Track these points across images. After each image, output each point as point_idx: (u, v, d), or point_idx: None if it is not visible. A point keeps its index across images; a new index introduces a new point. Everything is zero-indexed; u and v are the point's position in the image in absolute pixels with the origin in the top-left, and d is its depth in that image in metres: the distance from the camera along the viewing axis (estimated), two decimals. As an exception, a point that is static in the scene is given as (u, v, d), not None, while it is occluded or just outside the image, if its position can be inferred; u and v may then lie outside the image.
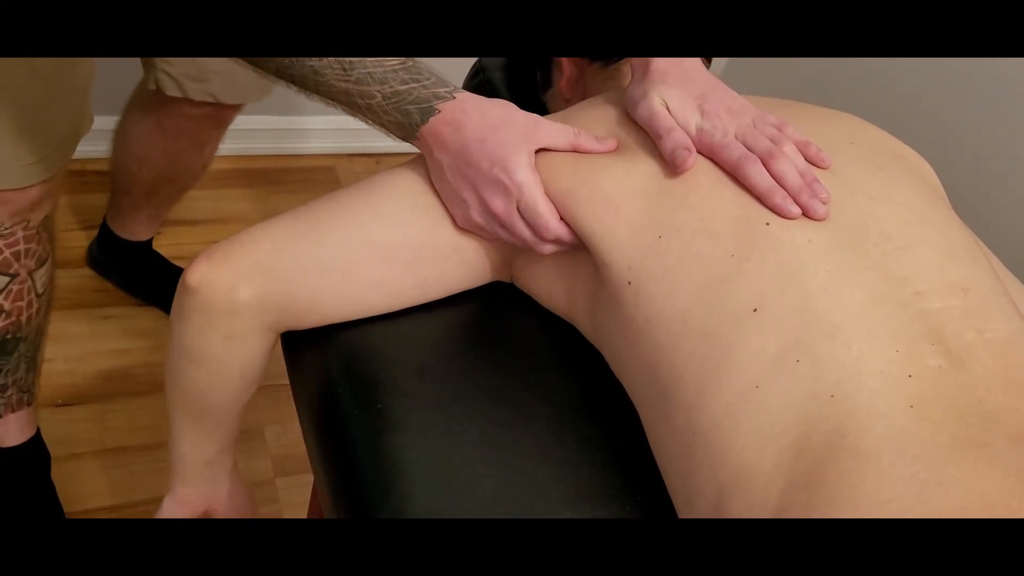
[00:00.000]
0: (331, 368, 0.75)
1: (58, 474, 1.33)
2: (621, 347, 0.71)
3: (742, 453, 0.59)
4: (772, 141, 0.71)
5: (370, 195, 0.76)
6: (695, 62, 0.77)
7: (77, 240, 1.70)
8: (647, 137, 0.73)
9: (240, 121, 1.46)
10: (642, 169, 0.71)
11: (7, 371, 1.17)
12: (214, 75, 1.30)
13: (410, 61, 0.72)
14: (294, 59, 0.69)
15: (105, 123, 1.38)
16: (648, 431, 0.69)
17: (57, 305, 1.21)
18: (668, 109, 0.73)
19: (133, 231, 1.60)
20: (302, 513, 1.27)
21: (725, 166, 0.70)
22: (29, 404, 1.26)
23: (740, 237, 0.66)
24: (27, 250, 1.06)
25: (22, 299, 1.11)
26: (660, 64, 0.75)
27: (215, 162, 1.54)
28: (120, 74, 1.35)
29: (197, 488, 0.88)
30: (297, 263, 0.73)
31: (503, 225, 0.73)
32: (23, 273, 1.08)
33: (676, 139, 0.70)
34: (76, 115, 1.02)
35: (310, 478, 1.04)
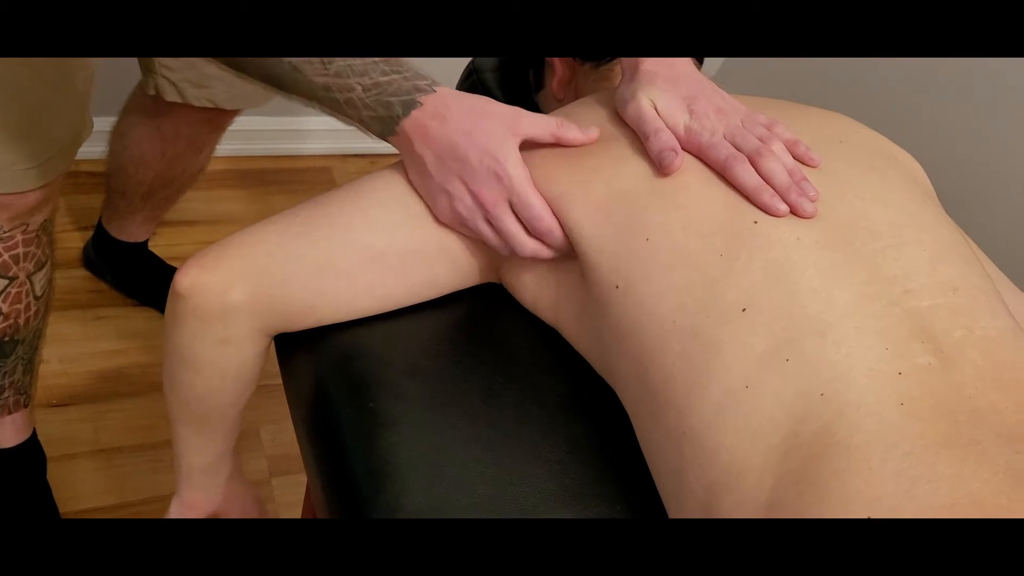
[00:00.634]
0: (323, 368, 0.76)
1: (53, 474, 1.33)
2: (610, 350, 0.71)
3: (732, 451, 0.60)
4: (761, 140, 0.71)
5: (360, 200, 0.76)
6: (686, 63, 0.77)
7: (72, 241, 1.69)
8: (637, 138, 0.73)
9: (236, 122, 1.47)
10: (631, 170, 0.72)
11: (4, 373, 1.17)
12: (215, 81, 1.30)
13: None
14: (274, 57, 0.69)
15: (101, 124, 1.38)
16: (638, 431, 0.69)
17: (52, 306, 1.21)
18: (657, 110, 0.73)
19: (129, 232, 1.60)
20: (297, 513, 1.27)
21: (713, 166, 0.70)
22: (26, 406, 1.26)
23: (729, 236, 0.66)
24: (26, 253, 1.06)
25: (20, 302, 1.10)
26: (650, 65, 0.75)
27: (210, 163, 1.54)
28: (117, 75, 1.35)
29: (203, 493, 0.88)
30: (288, 267, 0.73)
31: (488, 217, 0.73)
32: (22, 276, 1.08)
33: (663, 140, 0.71)
34: (76, 120, 1.02)
35: (305, 478, 1.04)
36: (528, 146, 0.74)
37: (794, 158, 0.72)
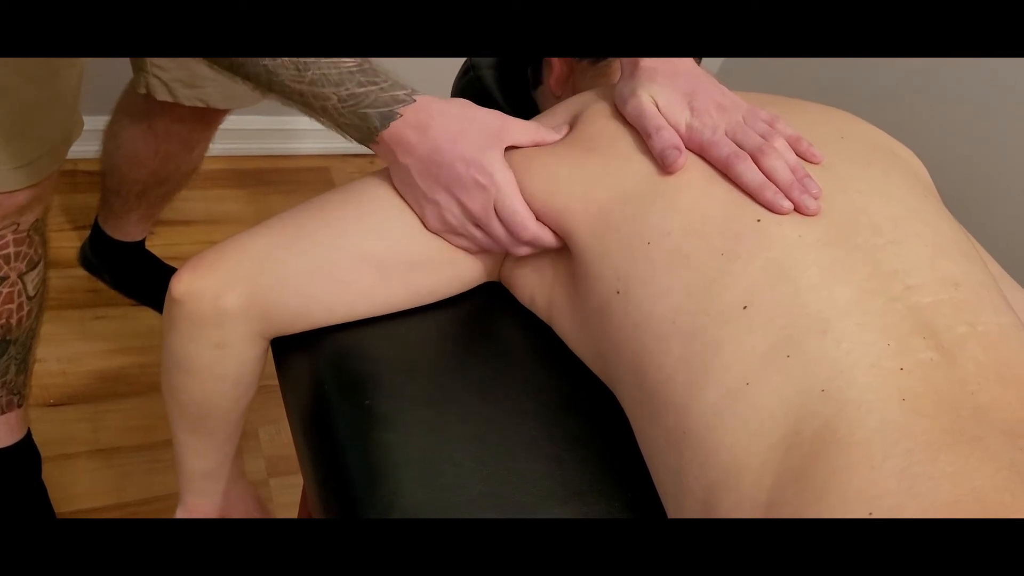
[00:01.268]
0: (319, 366, 0.75)
1: (50, 474, 1.33)
2: (608, 353, 0.70)
3: (732, 450, 0.59)
4: (763, 137, 0.71)
5: (359, 206, 0.75)
6: (685, 58, 0.77)
7: (69, 240, 1.69)
8: (638, 134, 0.73)
9: (233, 121, 1.46)
10: (633, 171, 0.71)
11: None
12: (206, 81, 1.29)
13: (366, 63, 0.71)
14: (249, 58, 0.68)
15: (96, 123, 1.38)
16: (637, 432, 0.69)
17: (49, 305, 1.21)
18: (657, 107, 0.72)
19: (125, 231, 1.59)
20: (294, 514, 1.26)
21: (715, 163, 0.70)
22: (19, 406, 1.25)
23: (730, 235, 0.66)
24: (17, 253, 1.06)
25: (12, 302, 1.10)
26: (649, 61, 0.74)
27: (208, 162, 1.53)
28: (110, 74, 1.35)
29: (206, 498, 0.87)
30: (283, 272, 0.72)
31: (478, 225, 0.73)
32: (13, 276, 1.08)
33: (665, 139, 0.70)
34: (66, 119, 1.01)
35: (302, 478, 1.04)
36: (526, 153, 0.74)
37: (796, 155, 0.71)
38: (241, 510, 0.91)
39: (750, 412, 0.59)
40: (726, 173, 0.69)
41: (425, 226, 0.75)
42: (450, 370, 0.74)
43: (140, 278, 1.64)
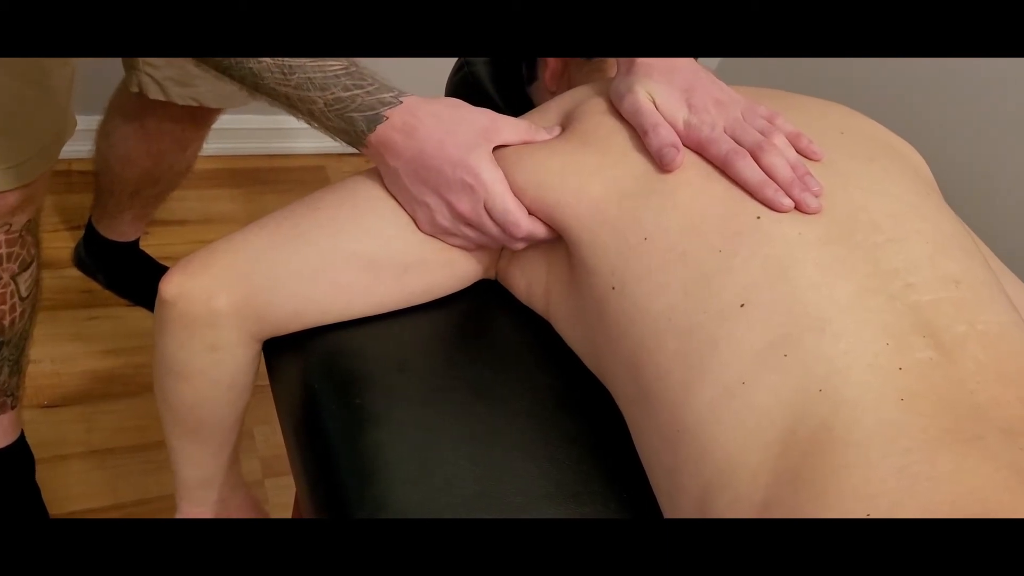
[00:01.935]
0: (310, 364, 0.74)
1: (44, 476, 1.32)
2: (604, 350, 0.70)
3: (727, 449, 0.58)
4: (762, 133, 0.70)
5: (353, 205, 0.74)
6: (682, 54, 0.76)
7: (63, 241, 1.69)
8: (634, 131, 0.72)
9: (228, 121, 1.46)
10: (630, 167, 0.70)
11: None
12: (199, 80, 1.29)
13: (353, 65, 0.70)
14: (234, 61, 0.68)
15: (89, 123, 1.37)
16: (632, 430, 0.68)
17: (43, 306, 1.20)
18: (655, 103, 0.72)
19: (119, 231, 1.59)
20: (289, 514, 1.26)
21: (714, 161, 0.69)
22: (13, 407, 1.25)
23: (729, 232, 0.65)
24: (9, 254, 1.05)
25: (5, 303, 1.09)
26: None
27: (203, 162, 1.53)
28: (102, 73, 1.34)
29: (203, 507, 0.86)
30: (277, 272, 0.72)
31: (471, 225, 0.72)
32: (6, 277, 1.07)
33: (663, 136, 0.69)
34: (58, 119, 1.01)
35: (299, 479, 1.03)
36: (517, 149, 0.73)
37: (796, 151, 0.70)
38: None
39: (747, 410, 0.58)
40: (725, 170, 0.68)
41: (418, 228, 0.74)
42: (443, 369, 0.74)
43: (134, 278, 1.63)
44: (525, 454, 0.68)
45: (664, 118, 0.71)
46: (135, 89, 1.30)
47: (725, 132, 0.70)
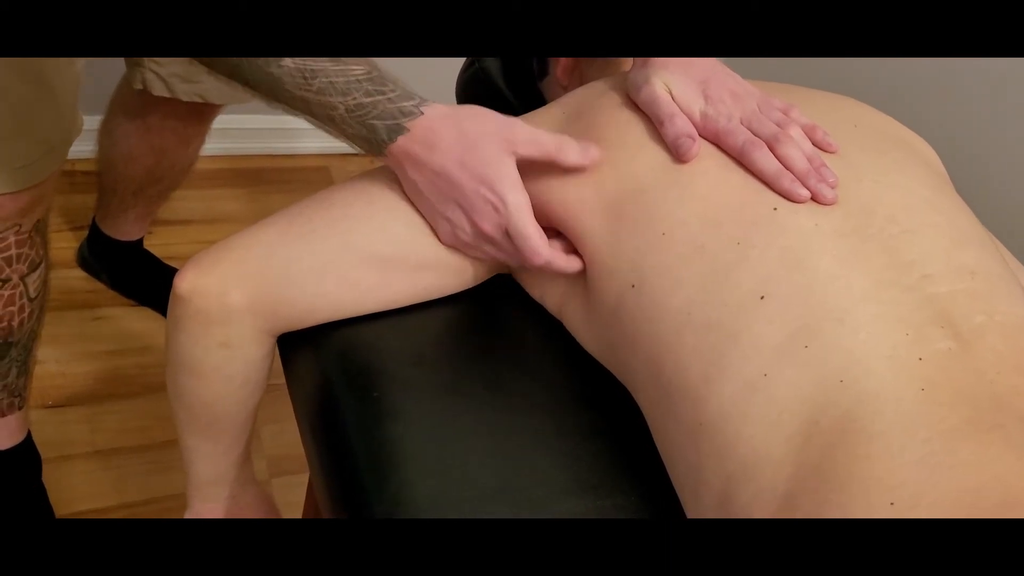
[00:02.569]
0: (326, 358, 0.74)
1: (49, 476, 1.32)
2: (622, 349, 0.69)
3: (750, 442, 0.58)
4: (778, 125, 0.70)
5: (367, 204, 0.74)
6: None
7: (67, 240, 1.69)
8: (651, 123, 0.72)
9: (233, 120, 1.45)
10: (646, 160, 0.70)
11: None
12: (204, 76, 1.28)
13: (375, 71, 0.69)
14: (252, 65, 0.66)
15: (95, 123, 1.37)
16: (652, 425, 0.68)
17: (48, 306, 1.20)
18: (671, 95, 0.71)
19: (123, 230, 1.59)
20: (298, 513, 1.25)
21: (731, 151, 0.69)
22: (20, 408, 1.24)
23: (746, 224, 0.65)
24: (19, 255, 1.05)
25: (14, 304, 1.09)
26: None
27: (207, 162, 1.53)
28: (108, 72, 1.34)
29: (216, 504, 0.86)
30: (290, 269, 0.71)
31: (492, 243, 0.72)
32: (15, 278, 1.07)
33: (679, 126, 0.69)
34: (65, 119, 1.00)
35: (306, 478, 1.02)
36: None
37: (812, 143, 0.70)
38: (251, 515, 0.89)
39: (769, 403, 0.58)
40: (742, 161, 0.68)
41: (438, 239, 0.73)
42: (459, 362, 0.73)
43: (139, 278, 1.63)
44: (543, 447, 0.68)
45: (681, 109, 0.70)
46: (139, 86, 1.30)
47: (741, 123, 0.70)
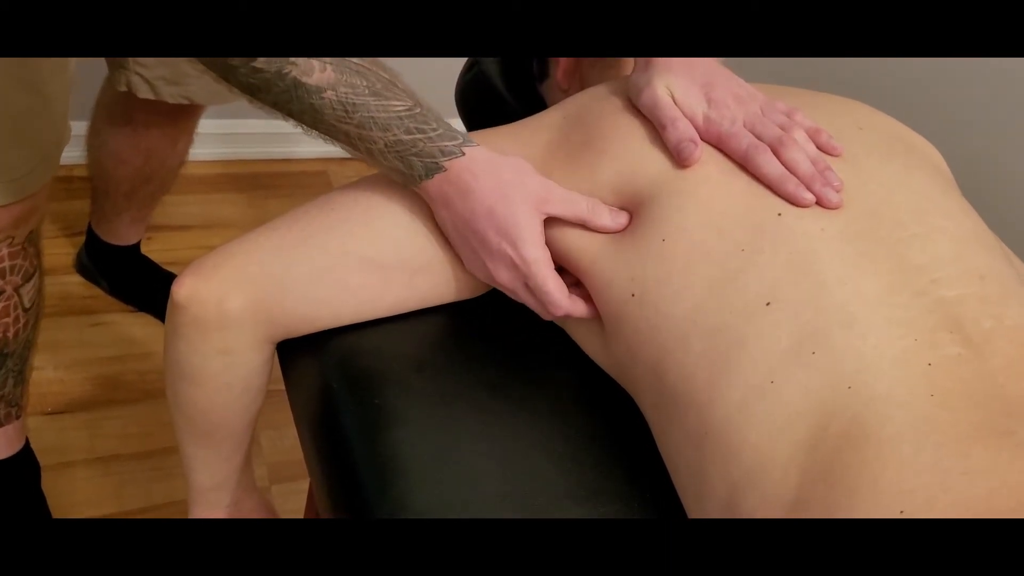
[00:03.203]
0: (327, 364, 0.73)
1: (49, 483, 1.31)
2: (623, 358, 0.69)
3: (757, 448, 0.57)
4: (782, 128, 0.70)
5: (366, 209, 0.73)
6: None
7: (65, 247, 1.68)
8: (653, 128, 0.71)
9: (230, 125, 1.45)
10: (647, 166, 0.69)
11: None
12: (190, 78, 1.27)
13: (417, 107, 0.68)
14: (293, 95, 0.66)
15: (82, 128, 1.36)
16: (656, 433, 0.67)
17: (46, 312, 1.20)
18: (673, 98, 0.71)
19: (119, 234, 1.58)
20: (299, 518, 1.25)
21: (734, 156, 0.68)
22: (17, 417, 1.24)
23: (751, 229, 0.64)
24: (12, 267, 1.04)
25: (8, 315, 1.08)
26: None
27: (205, 167, 1.52)
28: (94, 77, 1.33)
29: (217, 511, 0.85)
30: (289, 276, 0.71)
31: (510, 292, 0.72)
32: (9, 289, 1.06)
33: (681, 130, 0.68)
34: (57, 126, 1.00)
35: (306, 484, 1.02)
36: (535, 158, 0.73)
37: (816, 147, 0.69)
38: None
39: (776, 409, 0.58)
40: (745, 165, 0.68)
41: (446, 243, 0.73)
42: (461, 367, 0.73)
43: (137, 283, 1.62)
44: (545, 453, 0.68)
45: (683, 113, 0.70)
46: (123, 88, 1.28)
47: (745, 127, 0.69)
